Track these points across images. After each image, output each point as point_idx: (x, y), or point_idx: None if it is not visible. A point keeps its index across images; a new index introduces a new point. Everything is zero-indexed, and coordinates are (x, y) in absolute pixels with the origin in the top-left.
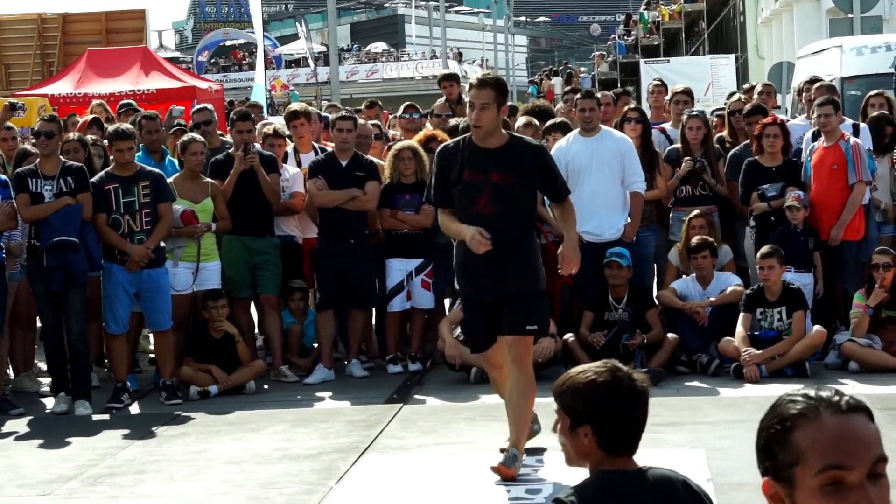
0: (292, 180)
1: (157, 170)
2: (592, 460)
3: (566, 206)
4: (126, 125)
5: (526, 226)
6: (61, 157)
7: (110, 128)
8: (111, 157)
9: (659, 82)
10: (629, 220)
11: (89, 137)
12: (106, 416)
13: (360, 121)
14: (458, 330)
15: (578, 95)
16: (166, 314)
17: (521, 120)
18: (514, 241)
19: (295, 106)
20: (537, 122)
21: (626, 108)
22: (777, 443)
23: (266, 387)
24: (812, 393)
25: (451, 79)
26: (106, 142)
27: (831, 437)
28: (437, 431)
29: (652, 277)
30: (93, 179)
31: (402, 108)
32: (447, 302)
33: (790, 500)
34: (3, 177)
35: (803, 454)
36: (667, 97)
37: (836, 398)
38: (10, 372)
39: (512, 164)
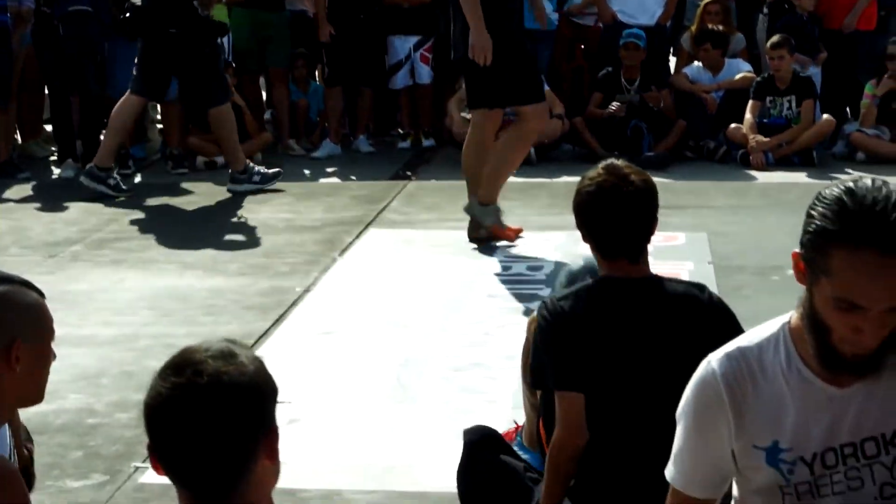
0: None
1: None
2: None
3: None
4: None
5: None
6: None
7: None
8: None
9: None
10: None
11: None
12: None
13: None
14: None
15: None
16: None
17: None
18: None
19: None
20: None
21: None
22: (815, 245)
23: (273, 160)
24: (871, 214)
25: None
26: None
27: (861, 282)
28: (441, 208)
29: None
30: None
31: None
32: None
33: (808, 284)
34: None
35: (833, 273)
36: None
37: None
38: (18, 137)
39: None
